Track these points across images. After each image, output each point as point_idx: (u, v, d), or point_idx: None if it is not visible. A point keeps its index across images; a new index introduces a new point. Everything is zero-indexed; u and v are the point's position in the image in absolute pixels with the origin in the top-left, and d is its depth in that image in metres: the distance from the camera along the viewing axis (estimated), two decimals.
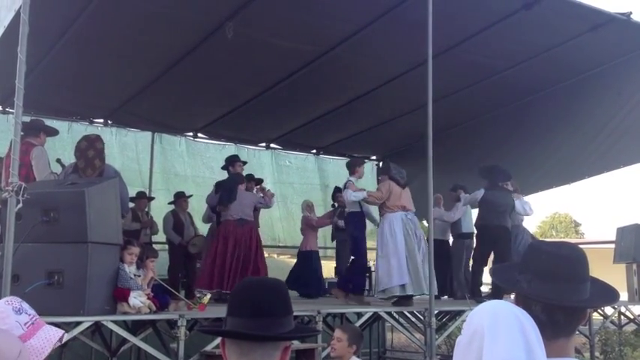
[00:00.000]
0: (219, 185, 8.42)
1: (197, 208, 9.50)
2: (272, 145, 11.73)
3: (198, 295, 7.18)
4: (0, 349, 1.45)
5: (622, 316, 9.42)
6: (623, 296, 9.09)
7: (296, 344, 5.67)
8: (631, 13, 7.06)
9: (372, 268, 9.01)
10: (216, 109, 9.70)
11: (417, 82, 6.83)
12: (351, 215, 7.86)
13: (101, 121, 9.98)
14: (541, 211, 46.99)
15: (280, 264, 11.62)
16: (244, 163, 8.71)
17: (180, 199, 9.08)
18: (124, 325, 5.51)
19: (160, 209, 9.63)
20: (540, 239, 14.94)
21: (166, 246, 9.01)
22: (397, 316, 7.29)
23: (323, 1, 6.59)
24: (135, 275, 5.25)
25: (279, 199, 10.41)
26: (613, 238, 9.93)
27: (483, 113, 9.84)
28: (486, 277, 8.69)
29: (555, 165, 9.56)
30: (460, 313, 7.23)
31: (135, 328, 5.82)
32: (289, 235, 11.40)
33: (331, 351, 4.59)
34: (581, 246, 1.64)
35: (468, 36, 7.43)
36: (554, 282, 1.51)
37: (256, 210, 8.59)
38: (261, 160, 11.57)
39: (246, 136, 11.13)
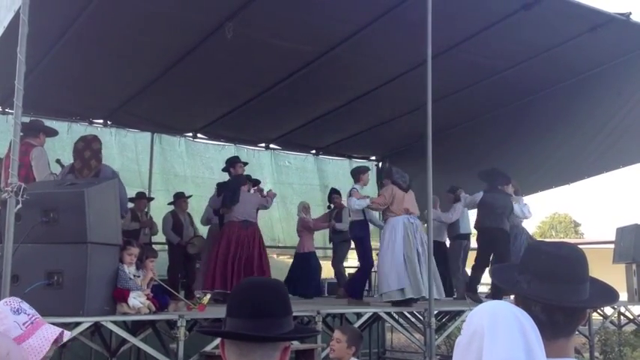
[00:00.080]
0: (221, 187, 8.41)
1: (197, 208, 9.50)
2: (271, 146, 11.72)
3: (198, 296, 7.18)
4: None
5: (621, 317, 9.42)
6: (623, 296, 9.10)
7: (296, 345, 5.67)
8: (630, 13, 7.06)
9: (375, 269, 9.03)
10: (216, 110, 9.70)
11: (417, 83, 6.83)
12: (355, 223, 7.97)
13: (101, 121, 9.97)
14: (541, 211, 47.07)
15: (280, 264, 11.62)
16: (245, 164, 8.71)
17: (179, 199, 9.08)
18: (123, 325, 5.51)
19: (159, 210, 9.62)
20: (539, 239, 14.96)
21: (166, 246, 9.01)
22: (397, 317, 7.30)
23: (323, 1, 6.59)
24: (134, 276, 5.25)
25: (279, 199, 10.40)
26: (612, 238, 9.93)
27: (483, 113, 9.84)
28: (486, 278, 8.71)
29: (555, 165, 9.56)
30: (460, 313, 7.23)
31: (134, 328, 5.82)
32: (289, 236, 11.39)
33: (330, 352, 4.58)
34: (580, 246, 1.64)
35: (468, 36, 7.43)
36: (553, 282, 1.51)
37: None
38: (261, 161, 11.57)
39: (245, 136, 11.12)
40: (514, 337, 1.34)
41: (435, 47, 6.36)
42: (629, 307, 9.19)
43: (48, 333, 1.72)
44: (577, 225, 44.72)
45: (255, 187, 9.00)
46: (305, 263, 9.51)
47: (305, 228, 9.76)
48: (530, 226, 40.94)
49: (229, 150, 10.96)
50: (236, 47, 7.23)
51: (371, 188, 10.29)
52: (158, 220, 9.02)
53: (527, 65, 8.11)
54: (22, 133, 4.65)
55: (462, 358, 1.42)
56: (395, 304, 7.09)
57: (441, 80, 6.93)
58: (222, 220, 8.23)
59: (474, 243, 9.83)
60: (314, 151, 12.18)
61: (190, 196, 9.31)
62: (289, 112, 9.77)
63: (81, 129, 9.29)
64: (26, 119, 5.84)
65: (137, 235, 8.08)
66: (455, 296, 9.14)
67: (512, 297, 1.69)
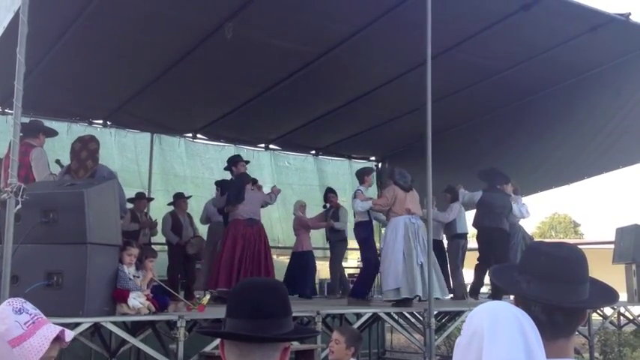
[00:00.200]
0: (223, 186, 8.39)
1: (196, 209, 9.50)
2: (271, 146, 11.73)
3: (198, 296, 7.19)
4: None
5: (621, 317, 9.42)
6: (623, 297, 9.10)
7: (295, 345, 5.66)
8: (630, 13, 7.06)
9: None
10: (216, 110, 9.70)
11: (417, 83, 6.83)
12: (359, 224, 8.00)
13: (100, 122, 9.98)
14: (540, 211, 47.04)
15: (279, 265, 11.56)
16: (247, 162, 8.70)
17: (179, 199, 9.07)
18: (123, 326, 5.51)
19: (159, 210, 9.62)
20: (539, 240, 14.96)
21: (165, 247, 9.01)
22: (397, 317, 7.30)
23: (322, 2, 6.60)
24: (134, 276, 5.25)
25: (279, 200, 10.41)
26: (612, 238, 9.93)
27: (483, 114, 9.84)
28: (486, 278, 8.72)
29: (554, 165, 9.57)
30: (459, 313, 7.23)
31: (134, 329, 5.81)
32: (288, 236, 11.38)
33: (329, 353, 4.57)
34: (580, 246, 1.64)
35: (467, 36, 7.43)
36: (553, 283, 1.51)
37: None
38: (260, 161, 11.56)
39: (245, 136, 11.12)
40: (514, 337, 1.34)
41: (435, 48, 6.36)
42: (628, 307, 9.18)
43: (48, 332, 1.74)
44: (577, 225, 44.75)
45: (255, 185, 8.99)
46: (302, 262, 9.48)
47: (302, 226, 9.73)
48: (530, 226, 41.01)
49: (229, 150, 10.96)
50: (236, 47, 7.23)
51: (371, 189, 10.29)
52: (158, 221, 9.01)
53: (527, 65, 8.11)
54: (21, 134, 4.65)
55: (462, 358, 1.41)
56: (395, 304, 7.10)
57: (440, 80, 6.93)
58: (226, 218, 8.22)
59: (471, 243, 9.88)
60: (314, 152, 12.18)
61: (190, 197, 9.30)
62: (289, 112, 9.77)
63: (80, 129, 9.28)
64: (26, 120, 5.85)
65: (137, 235, 8.07)
66: (452, 296, 9.13)
67: (511, 297, 1.69)
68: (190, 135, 10.88)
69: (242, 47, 7.28)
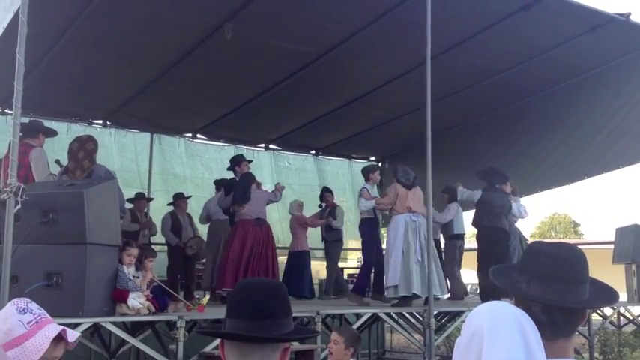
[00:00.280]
0: (227, 186, 8.37)
1: (196, 209, 9.49)
2: (271, 146, 11.72)
3: (197, 297, 7.18)
4: None
5: (621, 317, 9.43)
6: (622, 297, 9.10)
7: (295, 345, 5.66)
8: (630, 13, 7.06)
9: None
10: (215, 110, 9.70)
11: (416, 83, 6.84)
12: (364, 221, 8.04)
13: (100, 122, 9.97)
14: (540, 211, 47.02)
15: (279, 265, 11.59)
16: (249, 162, 8.69)
17: (179, 200, 9.07)
18: (123, 326, 5.51)
19: (158, 210, 9.61)
20: (538, 240, 14.94)
21: (165, 247, 9.00)
22: (396, 317, 7.30)
23: (322, 2, 6.60)
24: (134, 276, 5.25)
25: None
26: (612, 238, 9.94)
27: (482, 114, 9.84)
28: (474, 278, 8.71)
29: (554, 165, 9.57)
30: (459, 313, 7.23)
31: (134, 329, 5.81)
32: (288, 237, 11.39)
33: (329, 354, 4.57)
34: (580, 246, 1.64)
35: (467, 37, 7.43)
36: (553, 283, 1.51)
37: None
38: (260, 161, 11.55)
39: (245, 137, 11.12)
40: (514, 337, 1.34)
41: (435, 48, 6.37)
42: (628, 307, 9.19)
43: (49, 331, 1.75)
44: (576, 225, 44.71)
45: (254, 183, 8.97)
46: (298, 262, 9.45)
47: (300, 225, 9.70)
48: (530, 226, 41.01)
49: (229, 150, 10.96)
50: (235, 48, 7.23)
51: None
52: (157, 221, 9.01)
53: (527, 66, 8.11)
54: (21, 134, 4.65)
55: (462, 358, 1.41)
56: (395, 303, 7.10)
57: (440, 81, 6.93)
58: (232, 217, 8.21)
59: (468, 243, 9.89)
60: (313, 152, 12.18)
61: (190, 197, 9.30)
62: (289, 112, 9.77)
63: (80, 130, 9.27)
64: (25, 120, 5.85)
65: (136, 235, 8.07)
66: (449, 296, 9.13)
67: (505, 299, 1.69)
68: (190, 135, 10.87)
69: (242, 47, 7.28)
